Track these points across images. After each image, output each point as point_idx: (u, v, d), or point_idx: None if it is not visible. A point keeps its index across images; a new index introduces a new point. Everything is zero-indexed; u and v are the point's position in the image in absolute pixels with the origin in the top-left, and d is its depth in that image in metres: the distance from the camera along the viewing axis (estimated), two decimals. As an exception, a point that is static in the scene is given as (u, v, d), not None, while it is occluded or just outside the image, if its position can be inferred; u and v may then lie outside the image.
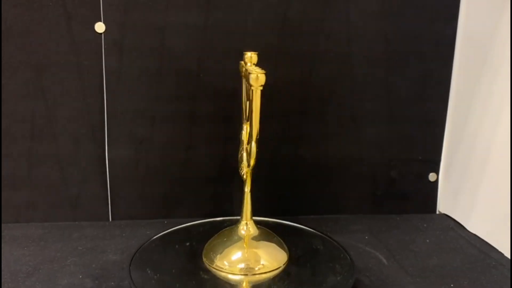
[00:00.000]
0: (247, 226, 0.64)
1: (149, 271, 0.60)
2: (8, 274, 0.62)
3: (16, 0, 0.72)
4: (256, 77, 0.54)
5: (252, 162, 0.60)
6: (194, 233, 0.73)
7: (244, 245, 0.63)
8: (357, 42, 0.80)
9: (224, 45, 0.77)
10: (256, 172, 0.62)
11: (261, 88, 0.55)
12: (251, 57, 0.59)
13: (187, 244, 0.68)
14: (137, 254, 0.64)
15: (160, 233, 0.71)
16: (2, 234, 0.74)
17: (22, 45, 0.74)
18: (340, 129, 0.83)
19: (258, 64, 0.60)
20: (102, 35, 0.75)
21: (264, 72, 0.55)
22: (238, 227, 0.64)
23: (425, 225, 0.81)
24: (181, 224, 0.74)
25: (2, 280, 0.60)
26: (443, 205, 0.87)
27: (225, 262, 0.61)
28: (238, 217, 0.65)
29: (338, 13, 0.78)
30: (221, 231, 0.67)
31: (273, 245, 0.64)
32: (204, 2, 0.75)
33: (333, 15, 0.78)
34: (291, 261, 0.63)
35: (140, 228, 0.77)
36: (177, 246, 0.68)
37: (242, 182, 0.63)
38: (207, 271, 0.61)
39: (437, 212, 0.87)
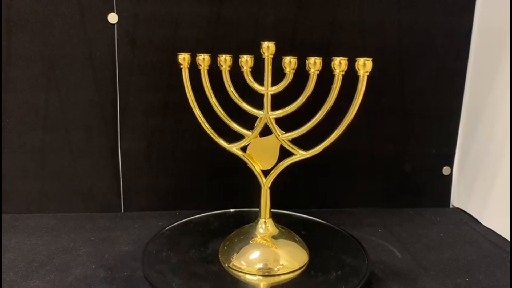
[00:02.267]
0: (265, 225, 0.62)
1: (161, 262, 0.60)
2: (22, 263, 0.63)
3: (30, -9, 0.73)
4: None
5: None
6: (206, 224, 0.72)
7: (263, 244, 0.61)
8: (370, 34, 0.79)
9: (236, 37, 0.77)
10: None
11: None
12: (268, 47, 0.57)
13: (199, 235, 0.68)
14: (149, 244, 0.64)
15: (171, 224, 0.71)
16: (16, 224, 0.75)
17: (35, 36, 0.74)
18: (354, 122, 0.82)
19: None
20: (115, 26, 0.75)
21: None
22: (256, 225, 0.62)
23: (438, 219, 0.81)
24: (193, 216, 0.74)
25: (17, 269, 0.61)
26: (457, 199, 0.86)
27: (242, 262, 0.59)
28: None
29: (351, 5, 0.78)
30: (238, 229, 0.65)
31: (294, 244, 0.62)
32: (217, -7, 0.75)
33: (347, 6, 0.78)
34: (311, 261, 0.61)
35: (152, 219, 0.77)
36: (189, 237, 0.67)
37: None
38: (221, 267, 0.60)
39: (451, 206, 0.87)
